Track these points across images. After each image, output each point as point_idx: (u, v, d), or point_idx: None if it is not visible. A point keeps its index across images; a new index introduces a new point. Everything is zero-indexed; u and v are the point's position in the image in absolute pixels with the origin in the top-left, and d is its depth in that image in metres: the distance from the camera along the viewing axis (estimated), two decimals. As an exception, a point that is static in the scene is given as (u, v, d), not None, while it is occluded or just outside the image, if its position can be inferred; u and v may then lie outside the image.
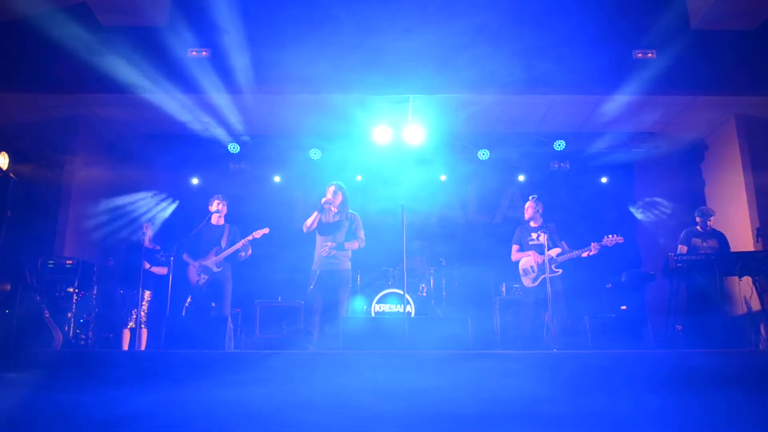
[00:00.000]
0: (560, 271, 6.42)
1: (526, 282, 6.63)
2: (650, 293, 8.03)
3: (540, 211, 6.71)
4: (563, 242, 6.59)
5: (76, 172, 7.93)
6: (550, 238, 6.46)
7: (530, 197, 6.71)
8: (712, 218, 6.97)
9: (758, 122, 7.95)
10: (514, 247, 6.80)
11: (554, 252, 6.45)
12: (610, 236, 6.40)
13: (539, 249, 6.54)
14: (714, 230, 6.96)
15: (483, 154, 8.82)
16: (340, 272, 6.24)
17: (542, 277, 6.47)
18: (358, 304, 8.29)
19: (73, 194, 7.86)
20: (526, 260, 6.63)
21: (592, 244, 6.41)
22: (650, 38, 7.32)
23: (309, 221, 6.28)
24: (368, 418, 3.70)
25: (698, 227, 6.98)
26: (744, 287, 6.73)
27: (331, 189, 6.37)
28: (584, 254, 6.41)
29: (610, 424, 3.76)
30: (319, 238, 6.34)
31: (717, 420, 3.74)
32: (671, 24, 7.36)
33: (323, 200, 6.31)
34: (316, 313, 6.15)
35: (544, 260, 6.42)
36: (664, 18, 7.38)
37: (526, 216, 6.81)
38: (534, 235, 6.66)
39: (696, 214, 7.05)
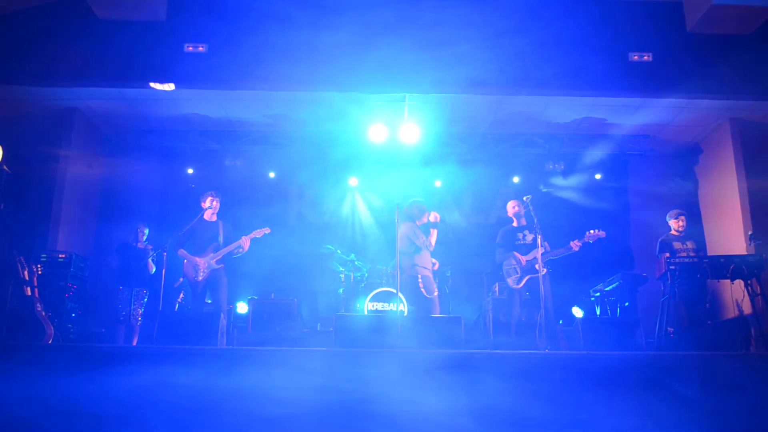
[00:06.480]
0: (545, 270, 6.41)
1: (511, 283, 6.64)
2: (642, 295, 8.05)
3: (524, 211, 6.70)
4: (546, 243, 6.60)
5: (70, 165, 7.90)
6: (536, 238, 6.47)
7: (524, 197, 6.70)
8: (685, 219, 6.99)
9: (752, 126, 7.98)
10: (499, 249, 6.81)
11: (539, 252, 6.46)
12: (592, 231, 6.40)
13: (525, 249, 6.58)
14: (688, 232, 6.98)
15: (478, 154, 8.82)
16: None
17: (527, 277, 6.49)
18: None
19: (66, 188, 7.83)
20: (510, 261, 6.65)
21: (573, 241, 6.41)
22: (646, 41, 7.33)
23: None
24: (358, 418, 3.71)
25: (673, 231, 6.99)
26: (736, 291, 6.75)
27: None
28: (568, 252, 6.43)
29: (600, 426, 3.78)
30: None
31: (708, 422, 3.76)
32: (667, 27, 7.38)
33: (435, 218, 6.72)
34: None
35: (527, 260, 6.44)
36: (660, 21, 7.39)
37: (510, 216, 6.84)
38: (520, 235, 6.69)
39: (671, 218, 7.03)
